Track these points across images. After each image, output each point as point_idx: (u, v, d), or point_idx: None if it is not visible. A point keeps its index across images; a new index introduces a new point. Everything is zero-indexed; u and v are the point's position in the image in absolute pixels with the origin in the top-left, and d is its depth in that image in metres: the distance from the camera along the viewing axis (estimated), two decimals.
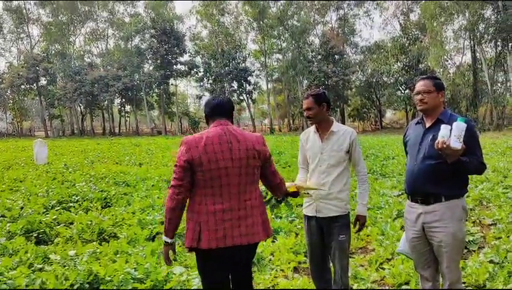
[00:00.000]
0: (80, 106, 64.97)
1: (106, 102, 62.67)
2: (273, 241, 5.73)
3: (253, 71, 62.81)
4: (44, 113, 63.24)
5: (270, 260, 5.05)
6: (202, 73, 62.07)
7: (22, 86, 61.51)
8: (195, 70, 63.04)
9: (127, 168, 14.20)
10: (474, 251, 5.32)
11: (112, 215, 6.92)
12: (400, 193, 9.33)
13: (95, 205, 7.79)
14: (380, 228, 6.15)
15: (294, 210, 7.42)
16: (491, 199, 8.10)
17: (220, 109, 2.90)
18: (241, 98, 62.97)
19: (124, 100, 64.61)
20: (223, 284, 2.83)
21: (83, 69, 60.91)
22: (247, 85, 61.44)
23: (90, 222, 6.04)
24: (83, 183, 10.04)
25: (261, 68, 63.25)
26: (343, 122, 58.63)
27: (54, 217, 6.66)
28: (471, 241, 5.49)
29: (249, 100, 62.70)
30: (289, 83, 61.02)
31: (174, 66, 61.34)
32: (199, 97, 65.67)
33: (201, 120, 66.26)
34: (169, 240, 2.78)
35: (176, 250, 4.72)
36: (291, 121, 63.67)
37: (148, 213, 7.00)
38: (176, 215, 2.70)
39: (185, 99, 79.03)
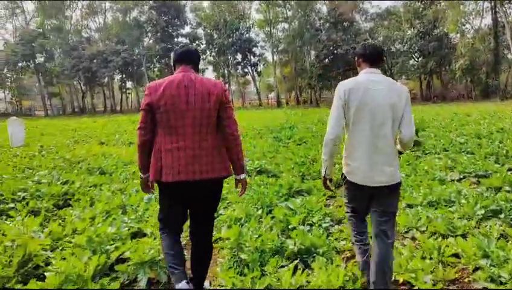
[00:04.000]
0: (79, 83, 62.60)
1: (106, 78, 60.25)
2: None
3: (258, 42, 59.81)
4: (43, 91, 60.88)
5: None
6: (205, 45, 59.29)
7: (19, 64, 59.24)
8: (197, 42, 60.16)
9: (112, 149, 11.95)
10: None
11: (59, 224, 4.67)
12: (462, 177, 7.03)
13: (46, 205, 5.55)
14: (477, 242, 3.82)
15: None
16: None
17: (185, 56, 3.07)
18: (246, 70, 60.32)
19: (124, 76, 62.11)
20: (176, 216, 3.10)
21: (81, 44, 58.30)
22: (251, 57, 58.71)
23: (11, 243, 3.78)
24: (45, 171, 7.79)
25: (266, 39, 59.94)
26: None
27: None
28: None
29: (254, 73, 60.02)
30: (296, 54, 58.01)
31: (175, 39, 58.53)
32: (202, 71, 62.97)
33: None
34: (142, 175, 3.11)
35: None
36: (298, 94, 60.85)
37: (114, 219, 4.74)
38: (142, 153, 3.03)
39: None
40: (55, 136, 17.86)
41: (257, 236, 3.96)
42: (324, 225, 4.60)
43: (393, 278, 3.42)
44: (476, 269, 3.52)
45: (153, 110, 2.88)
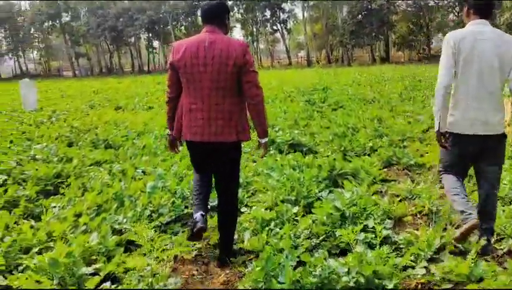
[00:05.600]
0: (106, 43, 61.68)
1: (133, 38, 59.15)
2: None
3: None
4: (70, 51, 60.34)
5: None
6: (232, 1, 57.03)
7: (45, 23, 58.72)
8: None
9: (128, 114, 10.86)
10: None
11: (31, 226, 3.55)
12: None
13: (29, 192, 4.47)
14: None
15: None
16: None
17: (207, 14, 2.96)
18: (275, 28, 58.04)
19: (150, 35, 60.80)
20: (200, 166, 3.23)
21: (106, 2, 57.11)
22: (281, 13, 56.39)
23: None
24: (43, 145, 6.73)
25: None
26: (387, 52, 53.18)
27: None
28: None
29: (284, 30, 57.69)
30: (327, 10, 55.30)
31: None
32: (229, 29, 61.00)
33: None
34: (168, 132, 3.28)
35: None
36: (329, 53, 58.34)
37: (104, 219, 3.60)
38: (169, 110, 3.18)
39: None
40: (74, 99, 16.95)
41: (295, 263, 2.75)
42: (385, 232, 3.34)
43: None
44: None
45: (176, 69, 2.94)
